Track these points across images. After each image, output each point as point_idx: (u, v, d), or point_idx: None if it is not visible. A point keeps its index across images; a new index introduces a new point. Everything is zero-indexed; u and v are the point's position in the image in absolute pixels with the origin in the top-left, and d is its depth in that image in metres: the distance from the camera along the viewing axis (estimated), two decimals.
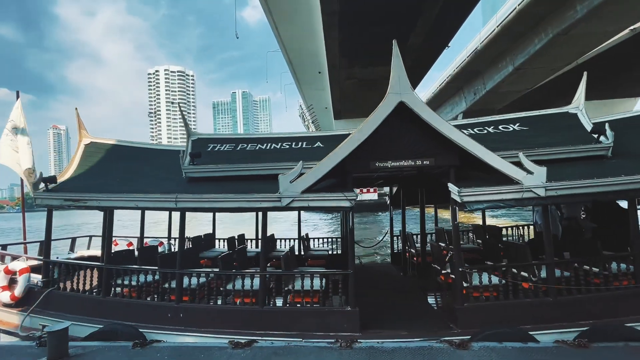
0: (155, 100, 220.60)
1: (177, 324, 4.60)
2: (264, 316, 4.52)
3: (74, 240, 8.02)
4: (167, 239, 8.44)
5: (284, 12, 22.33)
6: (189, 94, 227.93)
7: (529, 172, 4.12)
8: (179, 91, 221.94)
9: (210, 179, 5.48)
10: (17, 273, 5.27)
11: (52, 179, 5.29)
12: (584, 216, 6.46)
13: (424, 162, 4.62)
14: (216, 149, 6.28)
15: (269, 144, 6.48)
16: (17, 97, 7.30)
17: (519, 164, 4.23)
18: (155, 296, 5.02)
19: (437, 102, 37.88)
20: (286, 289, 4.79)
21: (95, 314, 4.92)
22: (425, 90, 40.98)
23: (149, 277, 5.09)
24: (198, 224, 15.51)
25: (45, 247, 5.50)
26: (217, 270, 5.12)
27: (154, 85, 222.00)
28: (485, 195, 4.23)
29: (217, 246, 8.51)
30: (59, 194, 5.15)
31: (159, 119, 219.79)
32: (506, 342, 3.81)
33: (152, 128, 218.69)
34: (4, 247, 6.57)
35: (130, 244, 8.17)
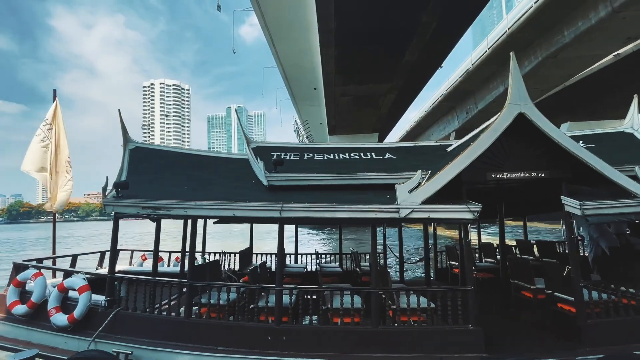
0: (149, 113, 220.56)
1: (279, 348, 4.08)
2: (380, 337, 4.07)
3: (102, 254, 7.19)
4: (201, 254, 7.81)
5: (282, 29, 22.73)
6: (184, 108, 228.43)
7: None
8: (174, 104, 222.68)
9: (294, 187, 5.09)
10: (77, 291, 4.53)
11: (124, 185, 4.62)
12: (628, 232, 6.34)
13: (539, 174, 4.52)
14: (282, 158, 5.92)
15: (337, 154, 6.33)
16: (54, 97, 6.73)
17: (635, 178, 4.23)
18: (248, 317, 4.45)
19: (430, 120, 38.54)
20: (394, 307, 4.32)
21: (175, 338, 4.27)
22: (418, 109, 41.77)
23: (232, 295, 4.64)
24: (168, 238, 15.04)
25: (110, 260, 4.88)
26: (313, 286, 4.74)
27: (148, 98, 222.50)
28: (608, 208, 4.17)
29: (254, 261, 8.16)
30: (135, 201, 4.53)
31: (152, 131, 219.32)
32: None
33: (145, 140, 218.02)
34: (40, 260, 5.87)
35: (144, 257, 7.53)
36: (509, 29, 20.24)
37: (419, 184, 4.28)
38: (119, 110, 6.02)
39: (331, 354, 3.99)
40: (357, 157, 6.23)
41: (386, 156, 6.24)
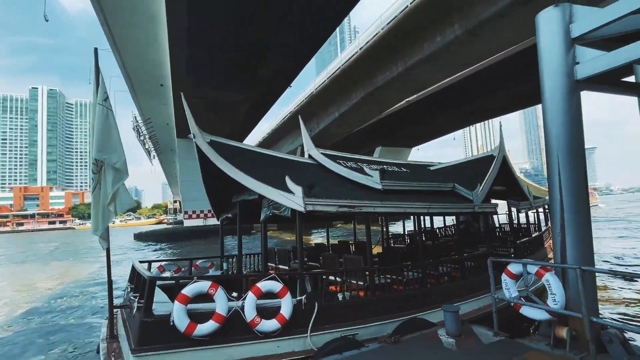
0: None
1: (434, 302, 5.31)
2: (458, 288, 5.91)
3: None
4: (220, 259, 7.57)
5: (121, 11, 19.33)
6: None
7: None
8: None
9: (397, 191, 6.14)
10: (278, 294, 4.32)
11: (312, 186, 4.92)
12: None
13: (500, 187, 8.17)
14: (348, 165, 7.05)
15: (387, 166, 8.01)
16: (96, 56, 4.90)
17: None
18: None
19: (280, 133, 41.00)
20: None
21: (364, 315, 4.82)
22: (269, 122, 43.73)
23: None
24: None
25: (300, 258, 5.12)
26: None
27: None
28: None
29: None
30: (334, 201, 4.93)
31: None
32: (345, 352, 3.94)
33: None
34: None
35: (162, 267, 6.86)
36: (342, 64, 24.21)
37: (478, 191, 6.71)
38: (183, 96, 5.84)
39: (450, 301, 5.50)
40: (390, 169, 7.81)
41: (403, 170, 7.98)
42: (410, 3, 16.82)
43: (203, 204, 39.72)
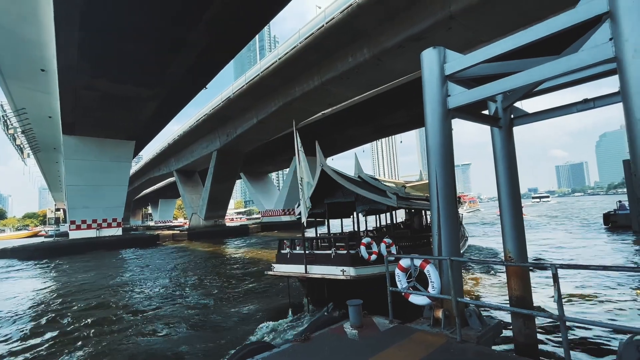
0: None
1: None
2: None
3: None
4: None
5: None
6: None
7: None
8: None
9: (405, 197, 9.29)
10: (385, 243, 8.00)
11: (397, 193, 8.44)
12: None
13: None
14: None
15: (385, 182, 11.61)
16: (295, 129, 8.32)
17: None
18: None
19: (193, 136, 38.16)
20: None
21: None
22: (181, 123, 40.41)
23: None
24: None
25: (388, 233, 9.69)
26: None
27: None
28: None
29: None
30: (405, 202, 8.89)
31: None
32: (257, 355, 4.04)
33: None
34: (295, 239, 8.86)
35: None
36: (261, 72, 24.12)
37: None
38: (317, 143, 10.06)
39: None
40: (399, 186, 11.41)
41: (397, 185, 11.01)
42: (326, 23, 17.93)
43: (97, 212, 34.00)
